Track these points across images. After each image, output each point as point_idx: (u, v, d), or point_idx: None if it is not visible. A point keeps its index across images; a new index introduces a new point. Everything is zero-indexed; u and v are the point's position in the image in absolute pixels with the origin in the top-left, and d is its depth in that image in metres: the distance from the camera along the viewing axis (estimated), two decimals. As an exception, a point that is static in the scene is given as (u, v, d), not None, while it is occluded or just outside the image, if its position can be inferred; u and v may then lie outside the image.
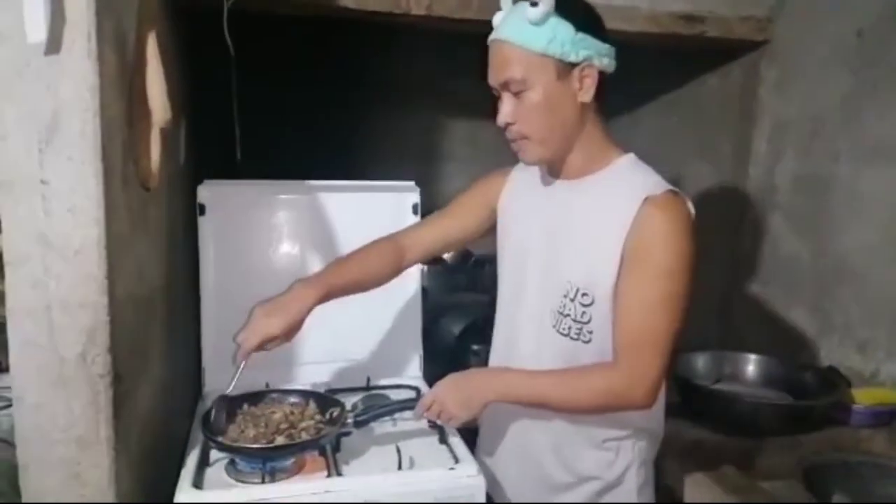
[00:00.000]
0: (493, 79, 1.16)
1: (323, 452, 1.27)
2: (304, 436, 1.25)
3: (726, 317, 2.18)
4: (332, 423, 1.28)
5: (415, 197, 1.78)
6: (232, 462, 1.24)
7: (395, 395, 1.56)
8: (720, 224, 2.21)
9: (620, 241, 1.12)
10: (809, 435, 1.58)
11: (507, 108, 1.15)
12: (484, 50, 1.19)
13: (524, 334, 1.28)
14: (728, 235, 2.19)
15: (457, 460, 1.28)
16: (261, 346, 1.21)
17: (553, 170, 1.26)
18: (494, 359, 1.39)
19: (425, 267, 1.91)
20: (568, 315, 1.20)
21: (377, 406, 1.34)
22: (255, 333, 1.20)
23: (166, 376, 1.47)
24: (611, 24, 1.74)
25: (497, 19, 1.17)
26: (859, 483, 1.42)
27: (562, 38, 1.09)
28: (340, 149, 2.51)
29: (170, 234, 1.54)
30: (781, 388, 1.75)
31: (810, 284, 1.90)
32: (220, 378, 1.54)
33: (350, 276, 1.30)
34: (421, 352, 1.76)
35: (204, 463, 1.25)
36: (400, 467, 1.25)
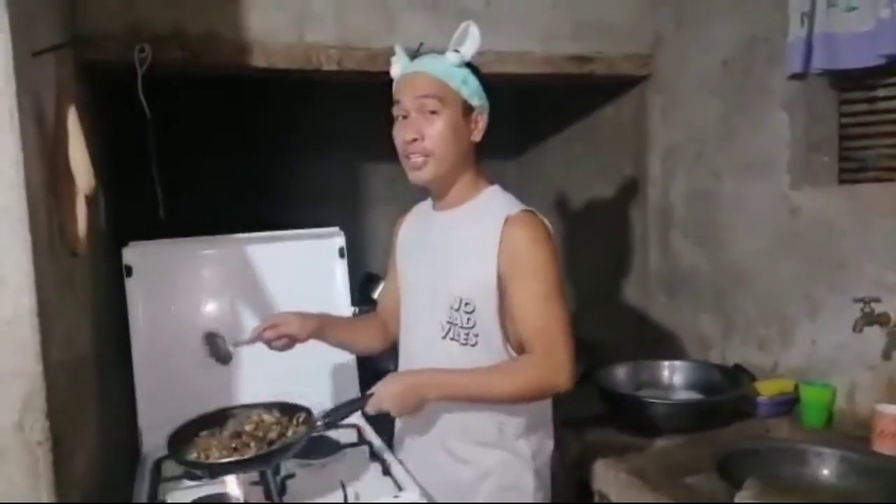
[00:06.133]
0: (410, 95, 1.32)
1: (269, 495, 1.30)
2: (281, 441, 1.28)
3: (642, 329, 2.34)
4: (303, 426, 1.33)
5: (340, 241, 1.85)
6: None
7: (335, 435, 1.61)
8: (630, 243, 2.38)
9: (493, 255, 1.30)
10: (722, 429, 1.72)
11: (417, 126, 1.31)
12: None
13: (420, 350, 1.42)
14: (638, 254, 2.36)
15: (400, 488, 1.34)
16: (274, 330, 1.41)
17: (437, 200, 1.43)
18: None
19: (356, 308, 1.97)
20: (456, 324, 1.34)
21: (338, 409, 1.35)
22: (273, 315, 1.46)
23: (101, 440, 1.46)
24: (507, 67, 1.92)
25: (395, 69, 1.38)
26: (769, 467, 1.56)
27: (471, 84, 1.34)
28: (265, 199, 2.56)
29: (96, 297, 1.55)
30: (694, 389, 1.89)
31: (710, 292, 2.08)
32: (158, 437, 1.55)
33: (343, 331, 1.56)
34: (358, 391, 1.80)
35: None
36: (346, 501, 1.30)
